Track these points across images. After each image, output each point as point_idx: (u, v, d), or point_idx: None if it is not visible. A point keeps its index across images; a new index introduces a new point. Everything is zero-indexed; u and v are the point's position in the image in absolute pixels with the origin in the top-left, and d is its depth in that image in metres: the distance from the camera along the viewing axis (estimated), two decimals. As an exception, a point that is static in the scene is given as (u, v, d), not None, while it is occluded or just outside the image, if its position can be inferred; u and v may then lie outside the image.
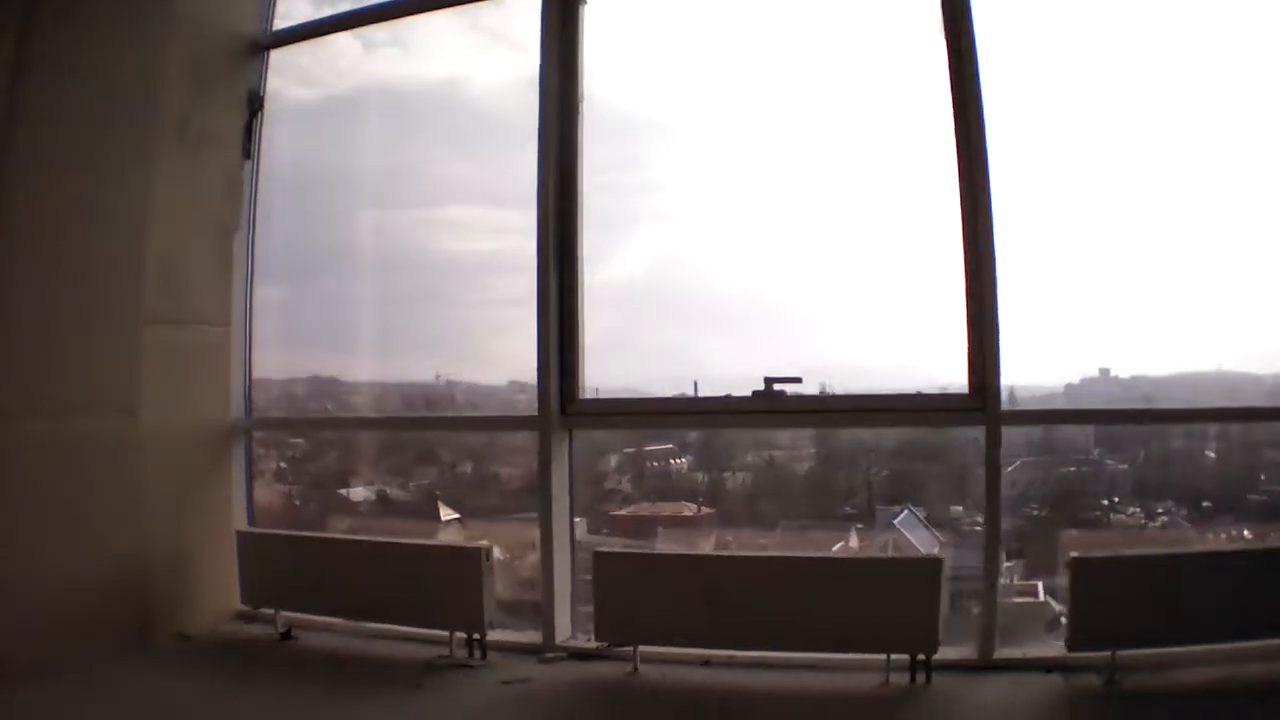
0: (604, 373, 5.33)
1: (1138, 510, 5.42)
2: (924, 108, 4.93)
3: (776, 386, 4.85)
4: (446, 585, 4.98)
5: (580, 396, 5.15)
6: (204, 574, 5.50)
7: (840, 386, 5.10)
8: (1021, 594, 5.12)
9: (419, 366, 6.23)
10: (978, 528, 4.99)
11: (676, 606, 4.71)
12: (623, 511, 5.89)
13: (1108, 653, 4.38)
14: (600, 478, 6.01)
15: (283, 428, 6.19)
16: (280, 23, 5.90)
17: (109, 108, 5.19)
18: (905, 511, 5.39)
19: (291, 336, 6.22)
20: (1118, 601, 4.39)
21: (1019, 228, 4.83)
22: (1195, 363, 5.15)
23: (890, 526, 5.38)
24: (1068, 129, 4.97)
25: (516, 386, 5.99)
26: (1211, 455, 5.61)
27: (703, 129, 5.59)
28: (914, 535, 5.34)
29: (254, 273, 5.82)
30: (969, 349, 4.71)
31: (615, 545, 5.41)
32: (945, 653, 4.60)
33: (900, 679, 4.51)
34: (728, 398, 4.99)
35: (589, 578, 4.97)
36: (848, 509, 5.49)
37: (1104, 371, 5.20)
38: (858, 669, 4.60)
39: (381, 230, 6.24)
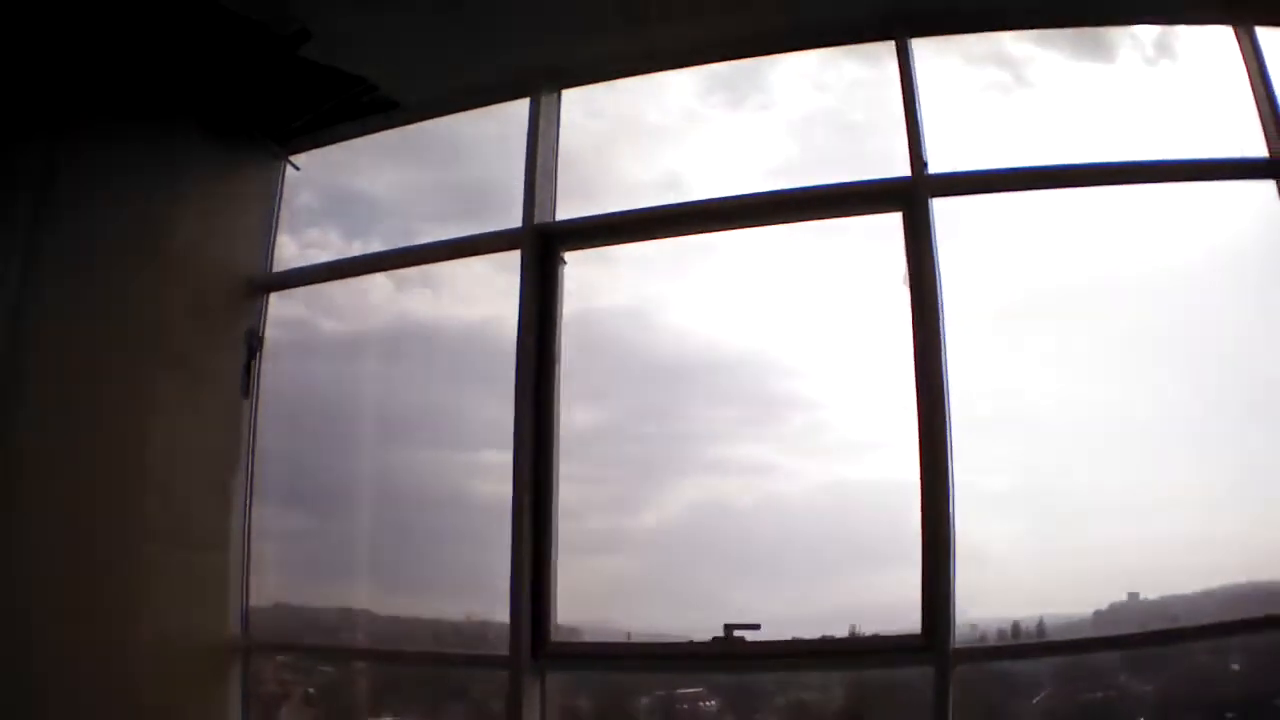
0: (633, 616, 5.59)
1: None
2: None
3: (736, 633, 5.11)
4: None
5: (552, 639, 5.37)
6: None
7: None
8: None
9: (450, 605, 6.35)
10: None
11: None
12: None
13: None
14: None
15: (278, 650, 6.40)
16: (280, 265, 6.36)
17: (113, 339, 5.52)
18: None
19: (322, 567, 6.50)
20: None
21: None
22: (1225, 576, 5.15)
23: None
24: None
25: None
26: (1236, 668, 5.57)
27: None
28: None
29: (252, 502, 6.12)
30: (923, 584, 4.92)
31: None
32: None
33: None
34: (690, 643, 5.24)
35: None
36: None
37: (1133, 595, 5.31)
38: None
39: (417, 468, 6.45)
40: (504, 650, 5.34)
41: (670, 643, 5.36)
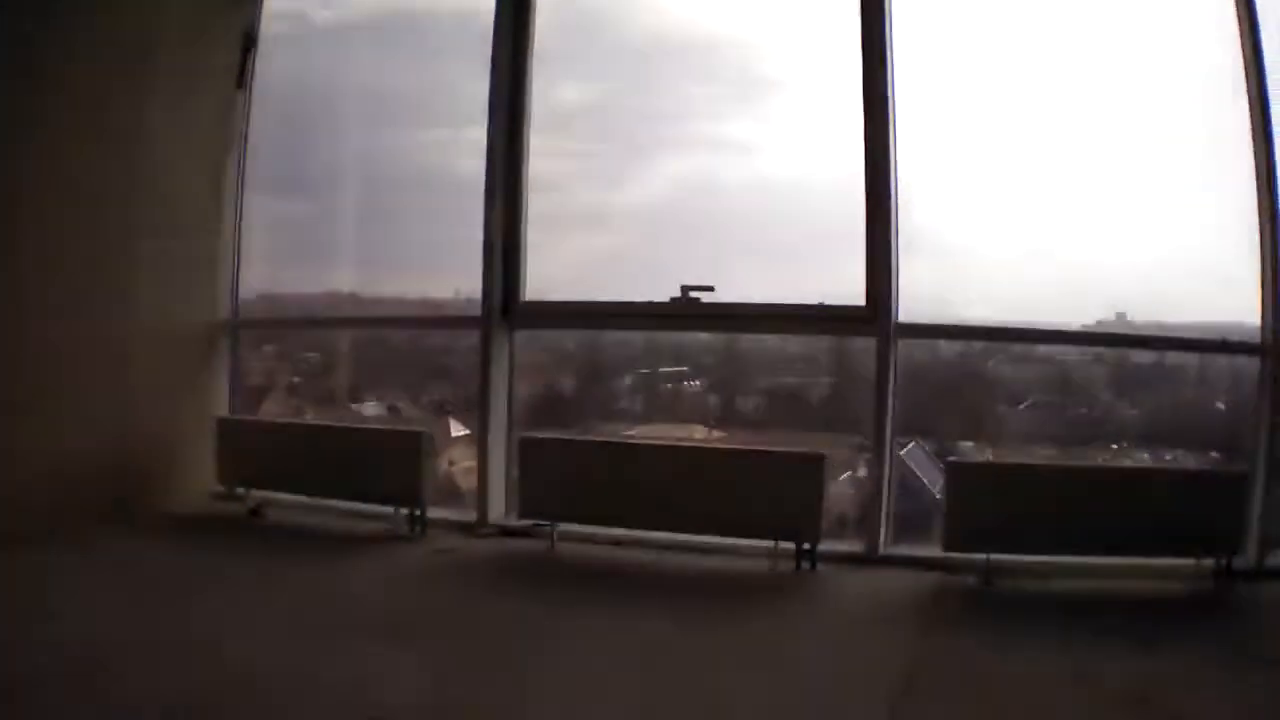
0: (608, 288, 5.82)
1: (1146, 457, 5.77)
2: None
3: (691, 294, 5.41)
4: (393, 467, 5.59)
5: (522, 299, 5.73)
6: (188, 458, 6.17)
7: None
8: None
9: (435, 283, 6.68)
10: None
11: (592, 490, 5.28)
12: (632, 432, 6.26)
13: (984, 556, 4.83)
14: (613, 397, 6.48)
15: (264, 327, 6.85)
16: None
17: (110, 40, 5.76)
18: (913, 445, 5.73)
19: (310, 251, 6.87)
20: (994, 508, 4.81)
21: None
22: (1213, 312, 5.37)
23: (898, 458, 5.56)
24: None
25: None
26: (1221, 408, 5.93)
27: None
28: (920, 469, 5.71)
29: (244, 191, 6.46)
30: (867, 268, 5.25)
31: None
32: (835, 546, 5.15)
33: (787, 566, 5.01)
34: (649, 303, 5.56)
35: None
36: (860, 439, 5.69)
37: (1120, 315, 5.56)
38: (755, 555, 5.12)
39: (404, 149, 6.75)
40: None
41: (629, 301, 5.65)
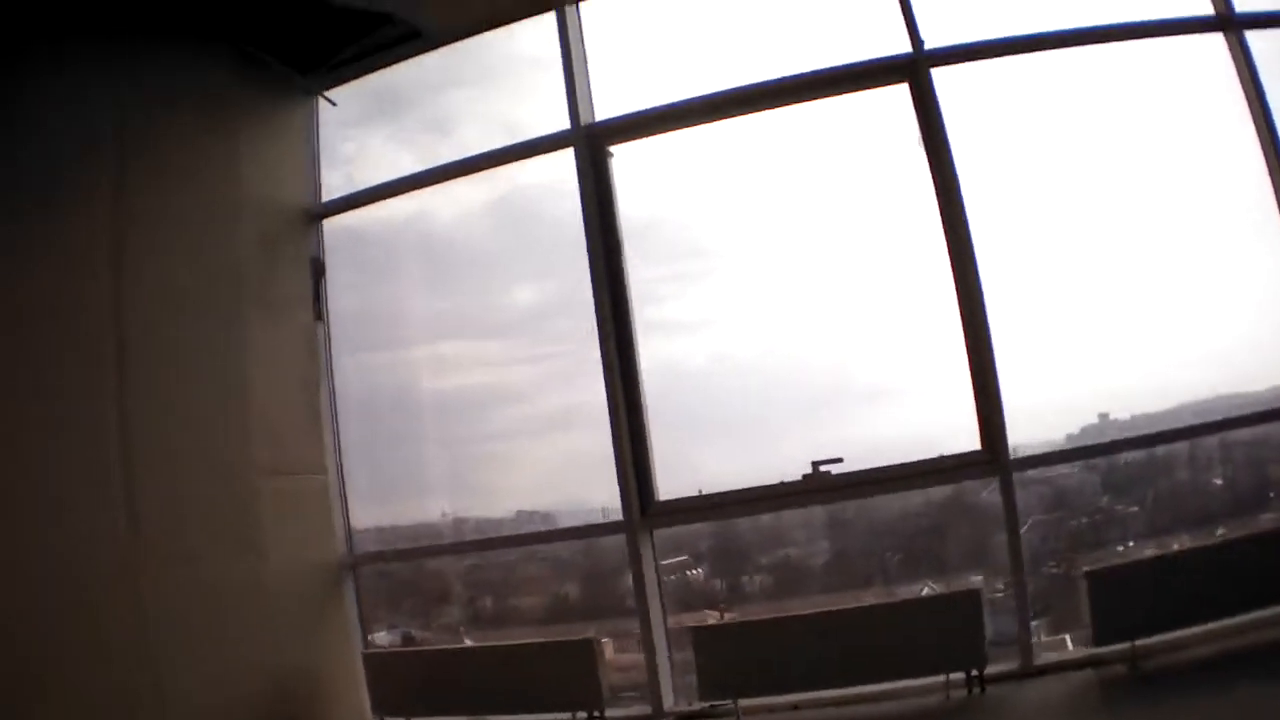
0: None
1: (1153, 550, 6.33)
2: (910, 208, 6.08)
3: (822, 468, 6.03)
4: (563, 674, 6.05)
5: (657, 499, 6.30)
6: (336, 693, 6.51)
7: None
8: (1051, 649, 6.07)
9: (422, 507, 7.18)
10: (998, 594, 6.14)
11: (762, 663, 5.82)
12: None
13: (1128, 644, 5.51)
14: (622, 595, 6.80)
15: (384, 560, 7.14)
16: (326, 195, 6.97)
17: (201, 284, 6.14)
18: (925, 589, 6.43)
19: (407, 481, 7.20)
20: (1128, 600, 5.51)
21: (1001, 283, 5.91)
22: (1190, 392, 6.08)
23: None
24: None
25: (524, 517, 7.04)
26: (1219, 481, 6.55)
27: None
28: None
29: (338, 423, 6.83)
30: (978, 412, 5.90)
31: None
32: (994, 667, 5.75)
33: (959, 694, 5.64)
34: (781, 484, 6.17)
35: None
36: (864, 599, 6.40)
37: (1103, 416, 6.27)
38: (924, 692, 5.74)
39: (369, 371, 7.13)
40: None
41: (763, 486, 6.23)
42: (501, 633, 7.08)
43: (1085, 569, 5.87)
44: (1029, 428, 5.93)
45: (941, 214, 5.98)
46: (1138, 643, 5.50)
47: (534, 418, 6.87)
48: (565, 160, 6.41)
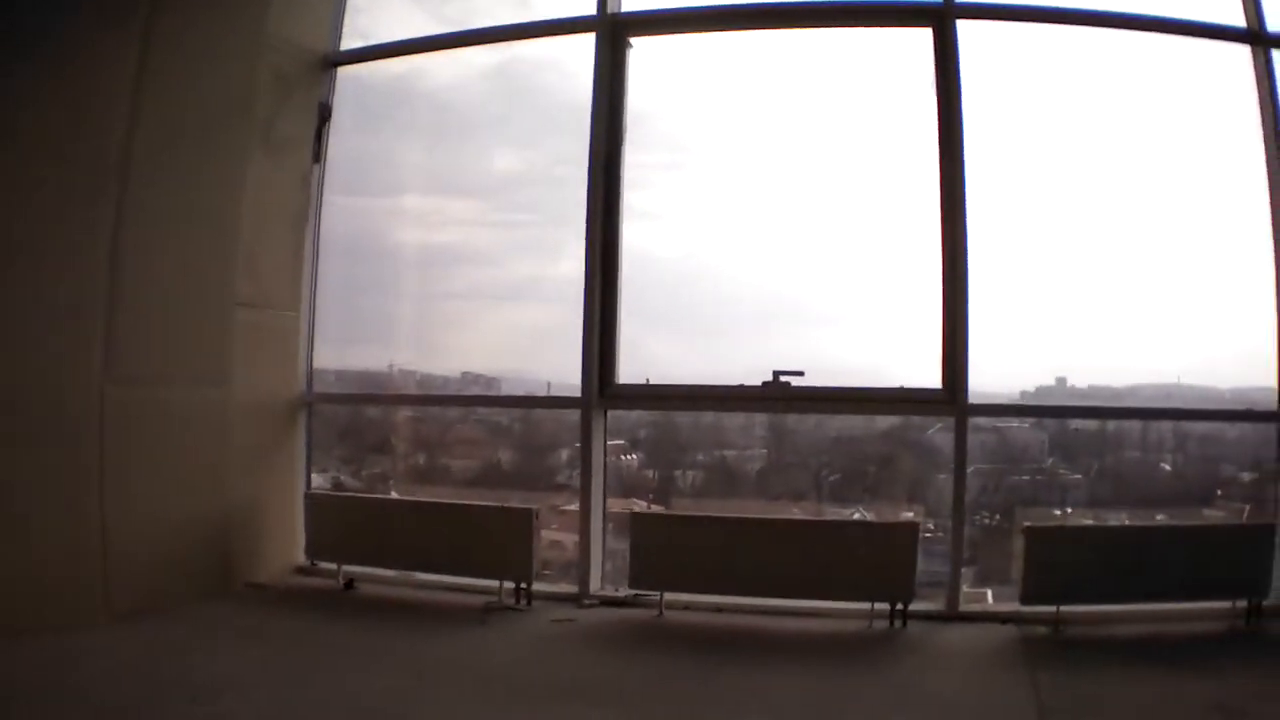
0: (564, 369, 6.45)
1: (1090, 521, 6.51)
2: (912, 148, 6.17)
3: (783, 378, 6.12)
4: (498, 541, 6.13)
5: (616, 381, 6.37)
6: (275, 532, 6.64)
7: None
8: (972, 601, 6.15)
9: (371, 355, 7.30)
10: (927, 534, 6.23)
11: (696, 560, 5.91)
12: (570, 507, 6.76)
13: (1054, 608, 5.62)
14: (552, 470, 7.00)
15: (341, 402, 7.33)
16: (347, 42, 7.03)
17: (212, 113, 6.20)
18: (856, 514, 6.56)
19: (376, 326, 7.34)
20: (1063, 564, 5.62)
21: (984, 236, 6.00)
22: (1154, 374, 6.25)
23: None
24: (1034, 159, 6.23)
25: (470, 378, 7.19)
26: (1167, 468, 6.71)
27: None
28: None
29: (318, 265, 6.92)
30: (943, 352, 6.01)
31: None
32: (917, 605, 5.84)
33: (881, 625, 5.73)
34: (741, 386, 6.27)
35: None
36: (797, 511, 6.57)
37: (1061, 380, 6.38)
38: (847, 616, 5.84)
39: (352, 215, 7.21)
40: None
41: (720, 385, 6.35)
42: (430, 490, 7.14)
43: (1026, 524, 6.00)
44: (985, 380, 6.00)
45: (941, 161, 6.03)
46: (1063, 608, 5.60)
47: (495, 283, 7.00)
48: (572, 41, 6.46)
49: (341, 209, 6.98)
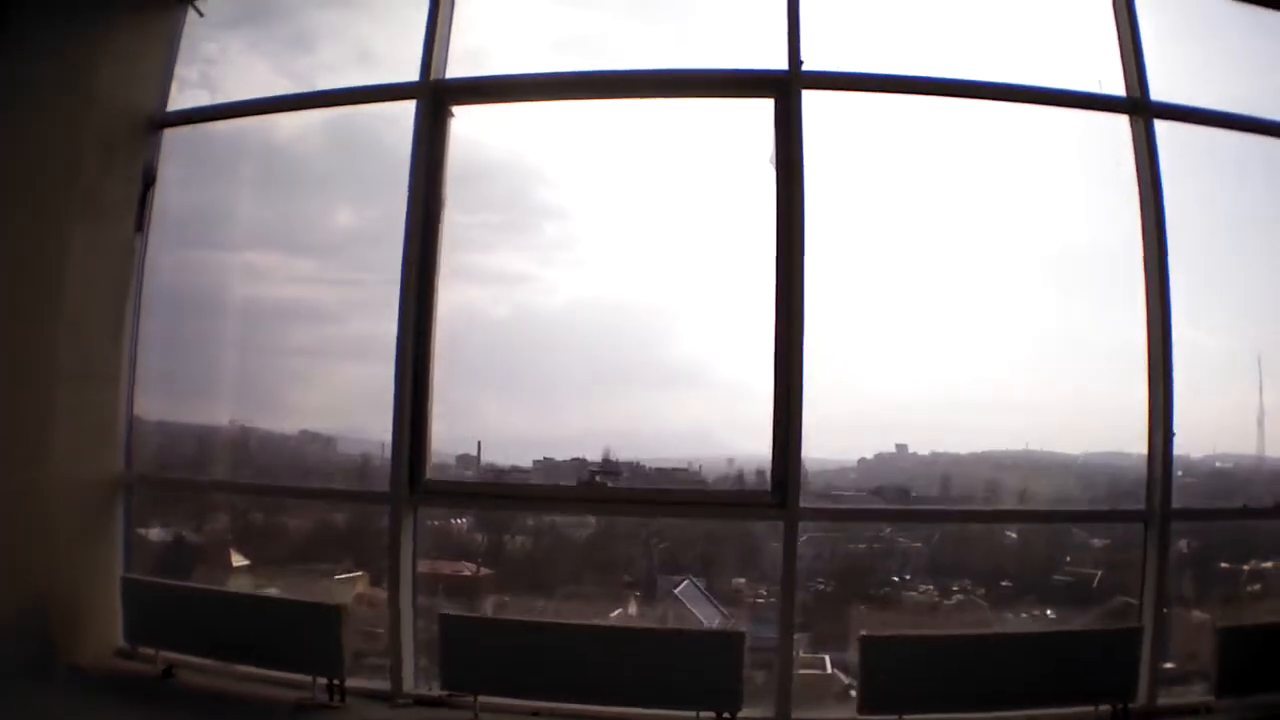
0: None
1: (931, 588, 6.29)
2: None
3: (598, 478, 5.94)
4: (306, 636, 5.95)
5: (427, 476, 6.10)
6: (94, 610, 6.43)
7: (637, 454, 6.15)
8: (809, 666, 6.04)
9: (212, 409, 7.07)
10: (759, 600, 6.13)
11: (511, 661, 5.71)
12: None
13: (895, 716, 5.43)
14: (380, 533, 6.64)
15: (162, 486, 7.11)
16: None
17: (33, 179, 6.05)
18: (686, 583, 6.37)
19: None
20: (904, 672, 5.45)
21: (822, 283, 5.76)
22: (1000, 441, 6.09)
23: (672, 596, 6.31)
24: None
25: (309, 437, 7.05)
26: (1013, 535, 6.49)
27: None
28: (695, 606, 6.32)
29: (138, 332, 6.68)
30: (774, 452, 5.71)
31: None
32: (748, 713, 5.62)
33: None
34: (557, 486, 6.15)
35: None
36: (626, 577, 6.43)
37: (901, 448, 6.05)
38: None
39: (181, 270, 7.00)
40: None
41: (537, 485, 6.28)
42: (265, 548, 7.00)
43: (862, 633, 5.73)
44: (820, 450, 5.79)
45: (779, 229, 5.75)
46: (906, 717, 5.41)
47: (333, 340, 6.84)
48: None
49: (175, 263, 6.81)
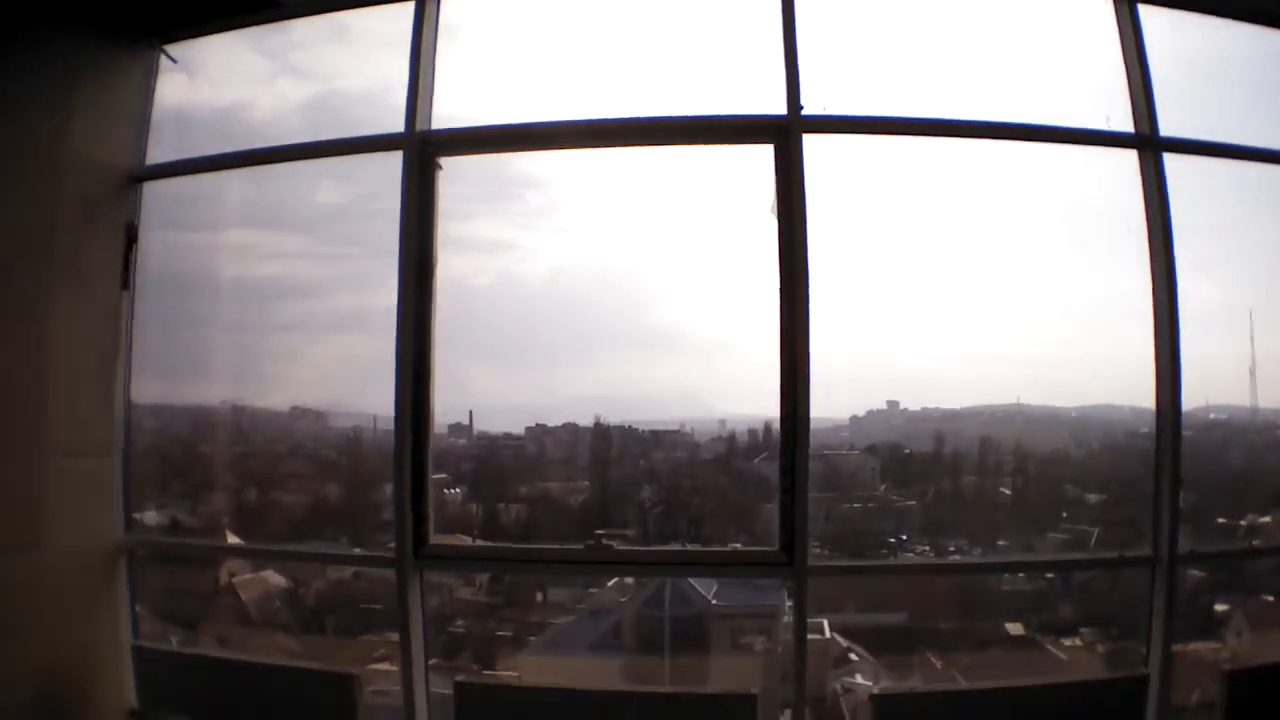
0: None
1: (928, 549, 6.27)
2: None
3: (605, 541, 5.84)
4: (323, 703, 5.91)
5: (430, 540, 6.00)
6: (106, 675, 6.39)
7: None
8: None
9: (202, 390, 7.14)
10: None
11: None
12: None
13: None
14: (377, 506, 6.75)
15: (164, 549, 7.12)
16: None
17: (13, 245, 5.91)
18: (679, 545, 6.43)
19: None
20: None
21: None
22: (992, 395, 6.05)
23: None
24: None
25: (298, 412, 7.14)
26: (1007, 492, 6.45)
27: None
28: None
29: (130, 399, 6.59)
30: (780, 512, 5.64)
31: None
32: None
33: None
34: (563, 549, 6.07)
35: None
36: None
37: (892, 404, 5.98)
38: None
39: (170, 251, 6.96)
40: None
41: (542, 548, 6.27)
42: (262, 529, 7.10)
43: (872, 693, 5.75)
44: (813, 399, 5.54)
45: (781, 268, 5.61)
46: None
47: (319, 314, 6.91)
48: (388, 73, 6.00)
49: (168, 241, 6.76)
